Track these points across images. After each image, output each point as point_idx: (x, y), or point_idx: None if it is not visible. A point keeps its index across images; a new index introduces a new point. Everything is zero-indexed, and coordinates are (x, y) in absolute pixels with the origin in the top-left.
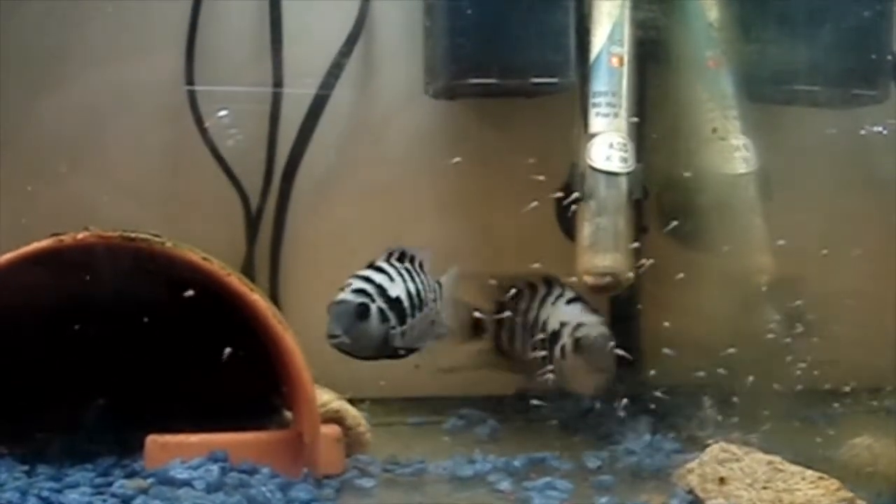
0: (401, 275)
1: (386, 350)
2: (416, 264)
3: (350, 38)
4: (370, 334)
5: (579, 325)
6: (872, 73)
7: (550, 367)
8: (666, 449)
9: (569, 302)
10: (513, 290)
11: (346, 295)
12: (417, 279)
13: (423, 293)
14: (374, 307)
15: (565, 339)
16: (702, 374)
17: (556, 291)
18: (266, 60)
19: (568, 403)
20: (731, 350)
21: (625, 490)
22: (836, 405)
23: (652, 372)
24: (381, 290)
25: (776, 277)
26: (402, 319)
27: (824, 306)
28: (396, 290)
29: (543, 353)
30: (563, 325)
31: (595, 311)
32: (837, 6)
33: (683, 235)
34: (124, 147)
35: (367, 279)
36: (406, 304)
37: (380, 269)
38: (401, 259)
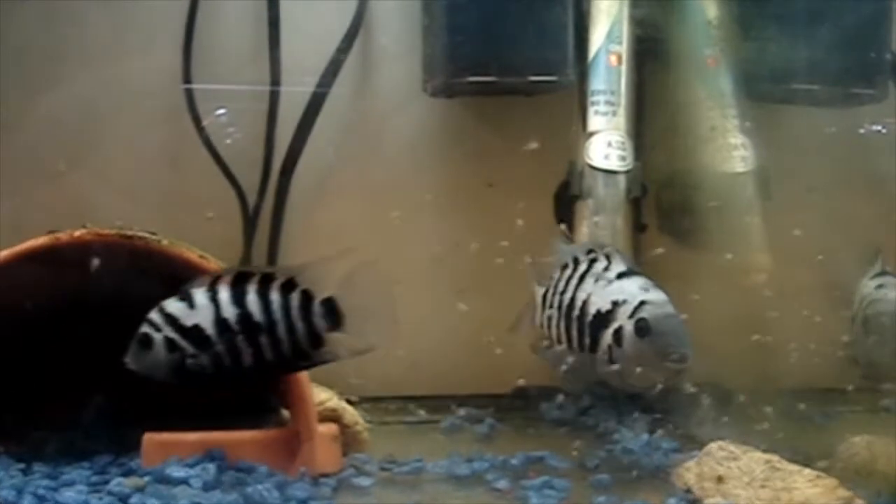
0: (214, 301)
1: (191, 377)
2: (291, 288)
3: (348, 36)
4: (157, 363)
5: (642, 304)
6: (871, 71)
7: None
8: (664, 448)
9: (621, 276)
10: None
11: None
12: (262, 303)
13: (266, 317)
14: (158, 337)
15: (622, 322)
16: (700, 373)
17: (600, 265)
18: (264, 58)
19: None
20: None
21: (623, 489)
22: (835, 403)
23: None
24: (173, 319)
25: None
26: (203, 347)
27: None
28: (196, 318)
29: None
30: (616, 304)
31: (658, 286)
32: (836, 5)
33: (682, 234)
34: (122, 145)
35: (161, 309)
36: (211, 331)
37: (184, 298)
38: (242, 280)
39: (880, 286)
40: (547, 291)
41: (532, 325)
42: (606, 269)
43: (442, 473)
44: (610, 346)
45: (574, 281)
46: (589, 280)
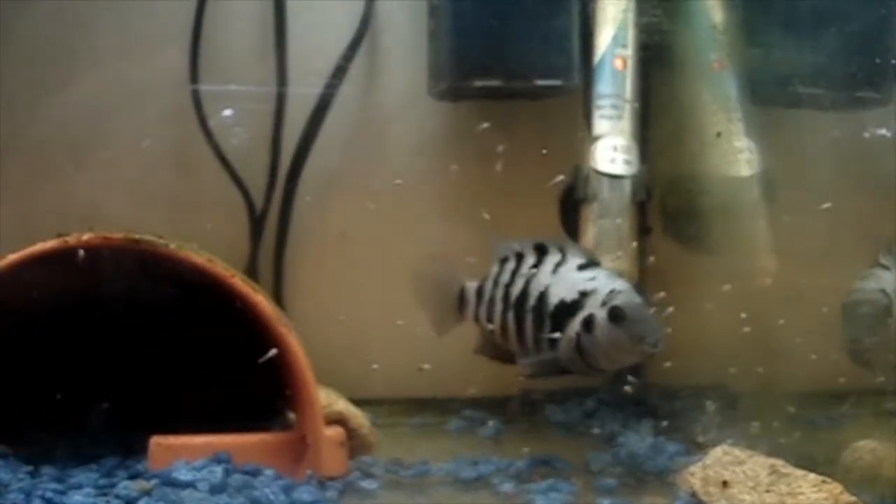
0: None
1: None
2: None
3: (354, 39)
4: None
5: (613, 292)
6: (876, 76)
7: (555, 345)
8: (669, 451)
9: (582, 268)
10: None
11: None
12: None
13: None
14: None
15: (593, 311)
16: (705, 376)
17: (554, 258)
18: (270, 60)
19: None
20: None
21: (628, 492)
22: (839, 408)
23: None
24: None
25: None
26: None
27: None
28: None
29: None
30: (584, 294)
31: (622, 276)
32: (842, 10)
33: (687, 238)
34: (129, 147)
35: None
36: None
37: None
38: None
39: (864, 276)
40: (482, 286)
41: (457, 320)
42: (562, 261)
43: (448, 476)
44: (578, 334)
45: (523, 273)
46: (544, 272)
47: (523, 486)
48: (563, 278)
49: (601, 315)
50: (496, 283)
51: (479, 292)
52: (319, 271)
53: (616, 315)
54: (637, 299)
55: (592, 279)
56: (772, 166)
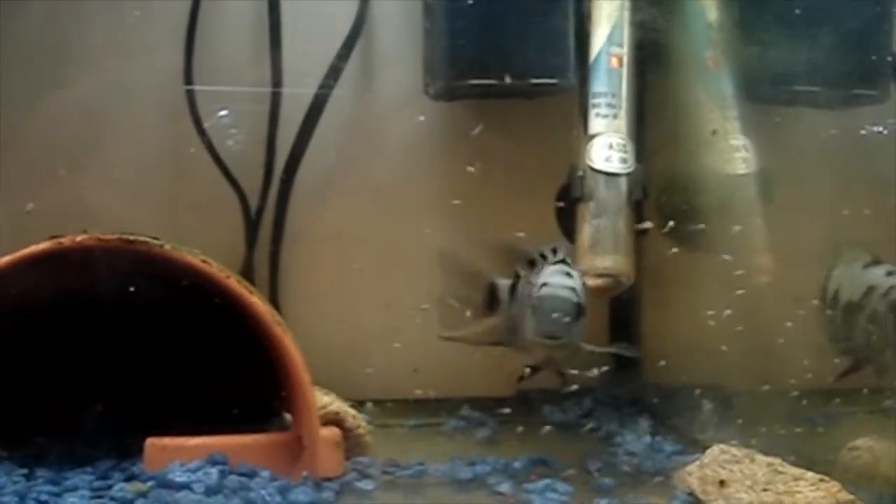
0: None
1: None
2: None
3: (349, 39)
4: None
5: (543, 286)
6: (872, 73)
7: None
8: (666, 451)
9: (553, 264)
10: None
11: None
12: None
13: None
14: None
15: (532, 303)
16: (702, 375)
17: (550, 258)
18: (265, 60)
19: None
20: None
21: (625, 492)
22: (836, 406)
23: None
24: None
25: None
26: None
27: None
28: None
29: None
30: (536, 288)
31: (570, 275)
32: (837, 7)
33: (683, 236)
34: (123, 148)
35: None
36: None
37: None
38: None
39: (891, 273)
40: (514, 285)
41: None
42: (547, 262)
43: (444, 477)
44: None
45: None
46: (536, 270)
47: (520, 486)
48: (538, 274)
49: (531, 307)
50: (525, 282)
51: (512, 291)
52: (315, 272)
53: (533, 307)
54: (557, 294)
55: (544, 274)
56: (768, 164)
